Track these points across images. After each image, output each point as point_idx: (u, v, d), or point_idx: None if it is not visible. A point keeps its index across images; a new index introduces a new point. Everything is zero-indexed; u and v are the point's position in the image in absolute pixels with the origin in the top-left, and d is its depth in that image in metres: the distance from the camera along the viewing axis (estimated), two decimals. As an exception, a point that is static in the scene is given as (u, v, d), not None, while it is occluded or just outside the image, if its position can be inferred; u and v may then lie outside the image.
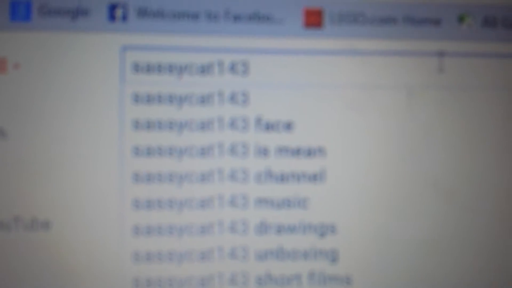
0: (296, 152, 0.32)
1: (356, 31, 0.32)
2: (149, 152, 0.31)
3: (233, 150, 0.31)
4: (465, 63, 0.33)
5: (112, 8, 0.31)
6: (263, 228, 0.31)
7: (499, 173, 0.33)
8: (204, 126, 0.31)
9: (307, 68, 0.32)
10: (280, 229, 0.32)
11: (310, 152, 0.32)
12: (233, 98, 0.31)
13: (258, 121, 0.31)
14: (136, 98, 0.31)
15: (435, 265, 0.32)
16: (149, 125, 0.31)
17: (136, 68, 0.31)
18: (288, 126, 0.32)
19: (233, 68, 0.31)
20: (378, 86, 0.32)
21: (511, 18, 0.33)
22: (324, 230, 0.32)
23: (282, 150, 0.32)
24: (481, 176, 0.33)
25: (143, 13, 0.31)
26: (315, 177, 0.32)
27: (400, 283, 0.32)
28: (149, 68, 0.31)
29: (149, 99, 0.31)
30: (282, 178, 0.32)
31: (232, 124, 0.31)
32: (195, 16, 0.31)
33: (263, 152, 0.31)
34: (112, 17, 0.31)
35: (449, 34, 0.33)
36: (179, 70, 0.31)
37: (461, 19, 0.33)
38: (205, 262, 0.31)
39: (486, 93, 0.33)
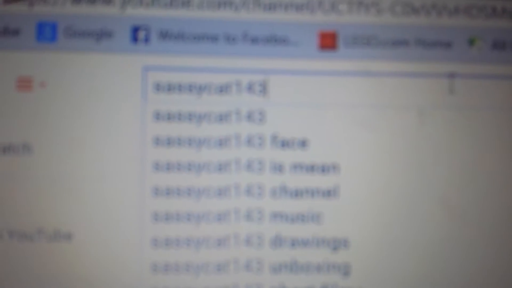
0: (311, 168, 0.31)
1: (369, 53, 0.32)
2: (169, 167, 0.31)
3: (249, 166, 0.31)
4: (475, 84, 0.32)
5: (135, 31, 0.31)
6: (277, 241, 0.31)
7: (508, 193, 0.32)
8: (222, 143, 0.31)
9: (322, 88, 0.32)
10: (294, 243, 0.31)
11: (324, 169, 0.31)
12: (250, 117, 0.31)
13: (274, 138, 0.31)
14: (157, 116, 0.31)
15: (445, 279, 0.32)
16: (169, 142, 0.31)
17: (158, 87, 0.31)
18: (303, 143, 0.31)
19: (250, 87, 0.31)
20: (390, 106, 0.32)
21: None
22: (337, 244, 0.31)
23: (297, 167, 0.31)
24: (490, 196, 0.32)
25: (164, 35, 0.31)
26: (328, 193, 0.31)
27: (411, 297, 0.32)
28: (169, 88, 0.31)
29: (170, 117, 0.31)
30: (297, 193, 0.31)
31: (249, 141, 0.31)
32: (214, 38, 0.31)
33: (279, 168, 0.31)
34: (135, 39, 0.31)
35: (459, 57, 0.32)
36: (199, 89, 0.31)
37: (471, 42, 0.32)
38: (221, 274, 0.31)
39: (496, 114, 0.32)
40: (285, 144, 0.31)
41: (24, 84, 0.30)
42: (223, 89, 0.31)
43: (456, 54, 0.32)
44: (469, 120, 0.32)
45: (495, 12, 0.33)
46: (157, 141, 0.31)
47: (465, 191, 0.32)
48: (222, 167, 0.31)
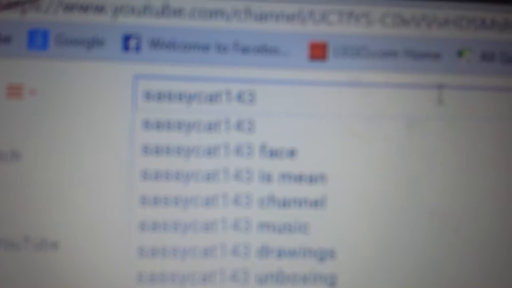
0: (299, 178, 0.31)
1: (358, 63, 0.31)
2: (157, 176, 0.30)
3: (237, 176, 0.30)
4: (464, 95, 0.32)
5: (126, 39, 0.30)
6: (264, 251, 0.30)
7: (496, 203, 0.31)
8: (211, 152, 0.30)
9: (311, 98, 0.31)
10: (280, 253, 0.31)
11: (312, 179, 0.31)
12: (239, 126, 0.30)
13: (263, 148, 0.30)
14: (147, 125, 0.30)
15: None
16: (158, 150, 0.30)
17: (148, 96, 0.30)
18: (292, 153, 0.31)
19: (240, 97, 0.31)
20: (379, 117, 0.31)
21: (508, 53, 0.32)
22: (324, 254, 0.31)
23: (285, 176, 0.31)
24: (480, 206, 0.31)
25: (155, 44, 0.31)
26: (316, 203, 0.31)
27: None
28: (160, 96, 0.30)
29: (159, 125, 0.30)
30: (284, 203, 0.31)
31: (238, 150, 0.31)
32: (205, 48, 0.31)
33: (267, 178, 0.30)
34: (126, 47, 0.30)
35: (448, 68, 0.32)
36: (189, 98, 0.30)
37: (460, 53, 0.32)
38: (206, 285, 0.30)
39: (484, 125, 0.32)
40: (273, 153, 0.31)
41: (14, 91, 0.30)
42: (212, 98, 0.31)
43: (445, 65, 0.32)
44: (457, 131, 0.31)
45: (484, 23, 0.32)
46: (146, 150, 0.30)
47: (454, 201, 0.31)
48: (210, 176, 0.30)
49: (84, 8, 0.31)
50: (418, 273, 0.31)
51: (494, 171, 0.32)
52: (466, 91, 0.32)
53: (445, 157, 0.31)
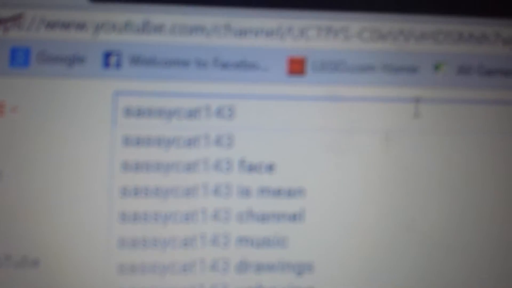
0: (277, 192, 0.30)
1: (336, 78, 0.31)
2: (136, 192, 0.30)
3: (216, 191, 0.30)
4: (441, 109, 0.31)
5: (107, 56, 0.30)
6: (243, 266, 0.30)
7: (474, 214, 0.31)
8: (190, 167, 0.30)
9: (290, 113, 0.31)
10: (259, 268, 0.30)
11: (290, 193, 0.30)
12: (218, 141, 0.30)
13: (242, 163, 0.30)
14: (126, 141, 0.30)
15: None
16: (137, 167, 0.30)
17: (128, 112, 0.30)
18: (270, 167, 0.30)
19: (219, 112, 0.30)
20: (357, 131, 0.31)
21: (485, 66, 0.32)
22: (302, 268, 0.30)
23: (264, 191, 0.30)
24: (456, 218, 0.31)
25: (136, 60, 0.30)
26: (294, 217, 0.30)
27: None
28: (139, 113, 0.30)
29: (139, 141, 0.30)
30: (263, 217, 0.30)
31: (217, 166, 0.30)
32: (185, 64, 0.30)
33: (246, 192, 0.30)
34: (106, 64, 0.30)
35: (425, 81, 0.31)
36: (168, 114, 0.30)
37: (437, 67, 0.31)
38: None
39: (460, 137, 0.31)
40: (252, 168, 0.30)
41: (-4, 109, 0.29)
42: (192, 113, 0.30)
43: (421, 79, 0.31)
44: (433, 144, 0.31)
45: (461, 37, 0.32)
46: (126, 166, 0.30)
47: (431, 214, 0.31)
48: (189, 192, 0.30)
49: (66, 26, 0.30)
50: (396, 285, 0.31)
51: (470, 183, 0.31)
52: (443, 104, 0.31)
53: (422, 169, 0.31)
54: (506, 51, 0.32)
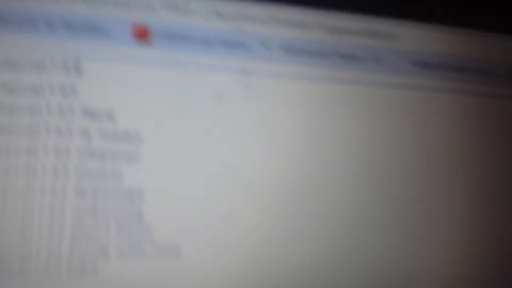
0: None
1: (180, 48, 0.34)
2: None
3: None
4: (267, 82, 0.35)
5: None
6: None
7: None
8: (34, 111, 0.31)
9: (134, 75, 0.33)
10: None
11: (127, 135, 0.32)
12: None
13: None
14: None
15: None
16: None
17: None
18: (109, 115, 0.32)
19: (65, 66, 0.32)
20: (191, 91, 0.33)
21: (308, 47, 0.36)
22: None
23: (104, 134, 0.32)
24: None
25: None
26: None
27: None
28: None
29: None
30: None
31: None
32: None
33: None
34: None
35: (252, 56, 0.35)
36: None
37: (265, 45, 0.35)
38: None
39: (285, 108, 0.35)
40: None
41: None
42: (38, 66, 0.31)
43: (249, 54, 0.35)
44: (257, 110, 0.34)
45: (288, 22, 0.35)
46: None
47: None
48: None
49: None
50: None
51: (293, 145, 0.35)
52: (268, 77, 0.35)
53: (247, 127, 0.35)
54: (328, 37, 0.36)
